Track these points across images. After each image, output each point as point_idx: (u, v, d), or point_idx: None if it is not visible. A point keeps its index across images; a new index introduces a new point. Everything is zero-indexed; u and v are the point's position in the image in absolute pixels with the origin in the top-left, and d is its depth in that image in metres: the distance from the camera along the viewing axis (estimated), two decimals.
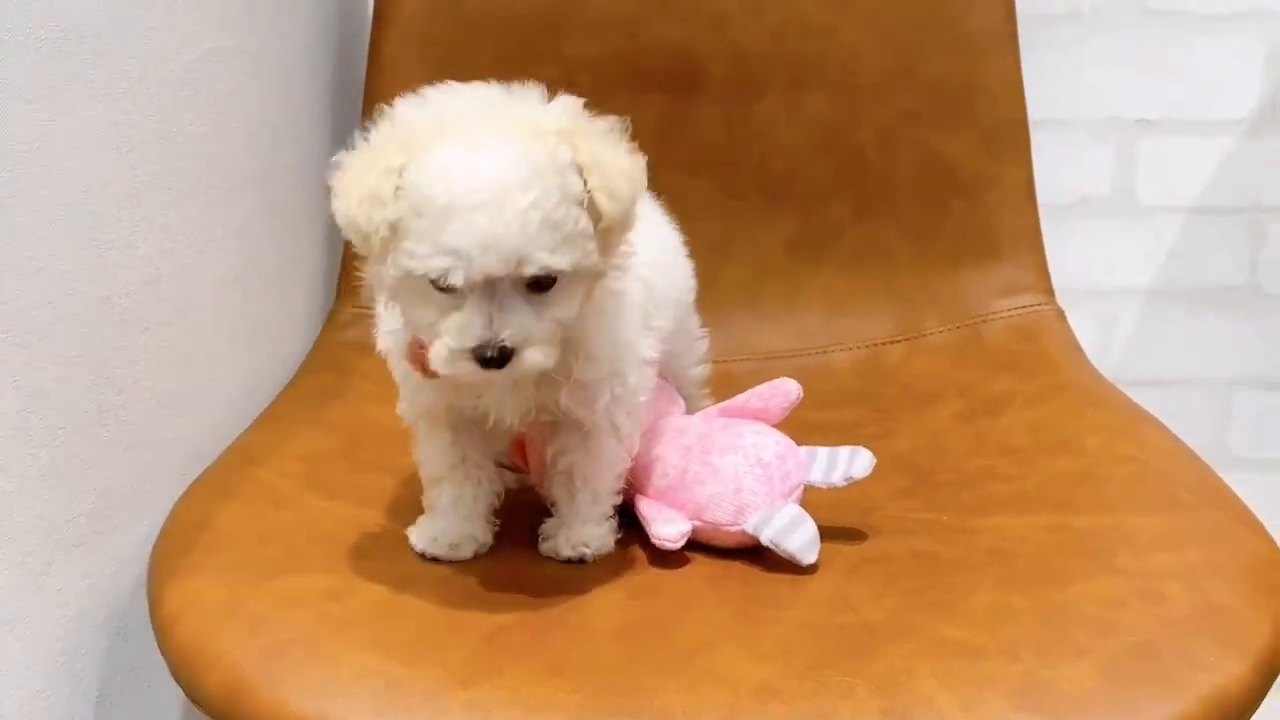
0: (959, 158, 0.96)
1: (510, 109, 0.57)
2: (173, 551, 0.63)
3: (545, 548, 0.65)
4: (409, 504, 0.70)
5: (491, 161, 0.53)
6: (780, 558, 0.63)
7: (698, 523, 0.65)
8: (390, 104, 0.58)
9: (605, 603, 0.60)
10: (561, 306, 0.56)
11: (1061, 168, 1.12)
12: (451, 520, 0.65)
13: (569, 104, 0.59)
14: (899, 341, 0.96)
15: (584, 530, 0.64)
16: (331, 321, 0.96)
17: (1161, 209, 1.14)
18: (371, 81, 0.98)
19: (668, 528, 0.64)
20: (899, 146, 0.96)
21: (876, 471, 0.68)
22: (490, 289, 0.54)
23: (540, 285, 0.55)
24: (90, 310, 0.64)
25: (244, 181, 0.83)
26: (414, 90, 0.95)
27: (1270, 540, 0.64)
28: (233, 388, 0.82)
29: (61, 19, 0.61)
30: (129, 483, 0.69)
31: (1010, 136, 0.96)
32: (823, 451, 0.68)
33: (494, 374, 0.55)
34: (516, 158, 0.53)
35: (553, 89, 0.96)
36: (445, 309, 0.55)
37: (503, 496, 0.67)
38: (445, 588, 0.61)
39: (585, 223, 0.55)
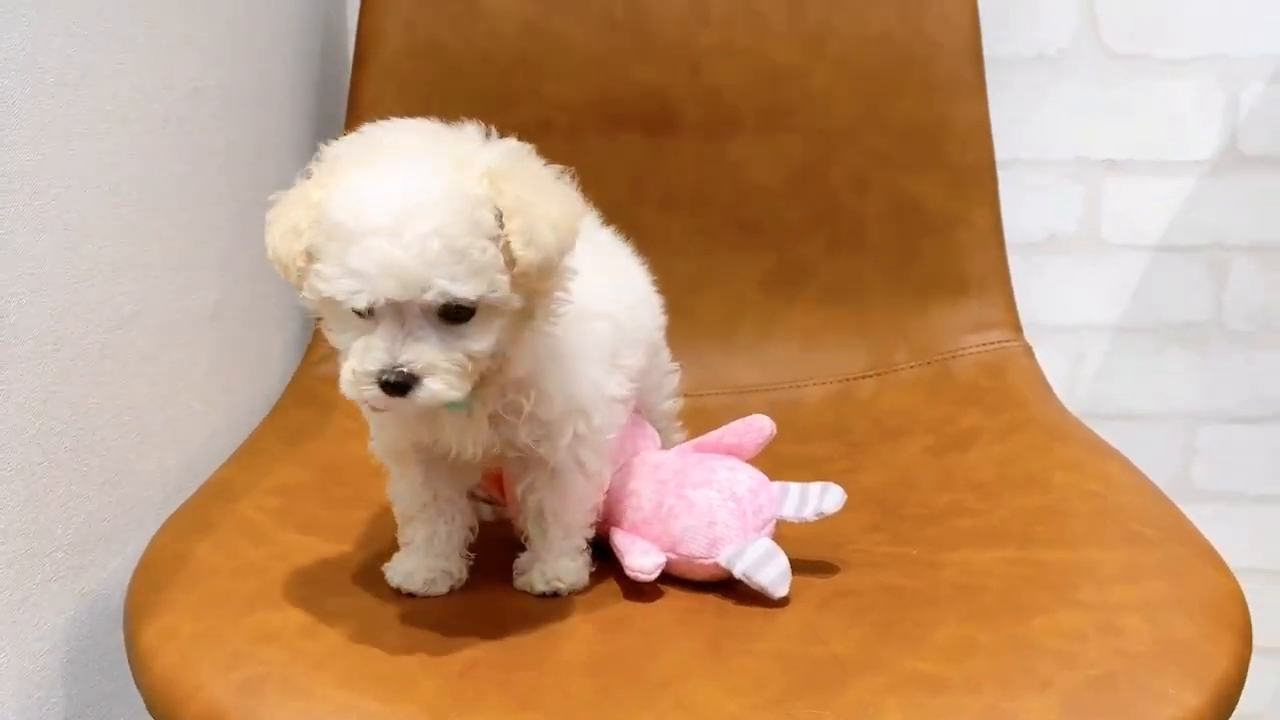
0: (928, 198, 0.98)
1: (440, 144, 0.57)
2: (149, 586, 0.64)
3: (520, 582, 0.66)
4: (385, 539, 0.71)
5: (397, 187, 0.53)
6: (752, 590, 0.64)
7: (672, 555, 0.66)
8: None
9: (577, 636, 0.60)
10: (475, 340, 0.55)
11: (1030, 206, 1.15)
12: (426, 557, 0.65)
13: (511, 146, 0.58)
14: (870, 376, 0.98)
15: (558, 565, 0.65)
16: (309, 356, 0.96)
17: (1127, 247, 1.16)
18: (352, 122, 0.99)
19: (642, 559, 0.65)
20: (870, 187, 0.99)
21: (847, 505, 0.69)
22: (400, 315, 0.54)
23: (454, 316, 0.55)
24: (70, 345, 0.65)
25: (224, 220, 0.84)
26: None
27: (1229, 575, 0.66)
28: (211, 422, 0.82)
29: (45, 62, 0.62)
30: (107, 517, 0.69)
31: (978, 177, 0.98)
32: (795, 487, 0.69)
33: (398, 401, 0.54)
34: (423, 184, 0.53)
35: (530, 129, 0.98)
36: (360, 334, 0.55)
37: (477, 531, 0.68)
38: (419, 623, 0.61)
39: (495, 255, 0.54)
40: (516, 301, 0.56)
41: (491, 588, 0.66)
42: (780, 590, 0.64)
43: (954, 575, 0.67)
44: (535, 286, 0.57)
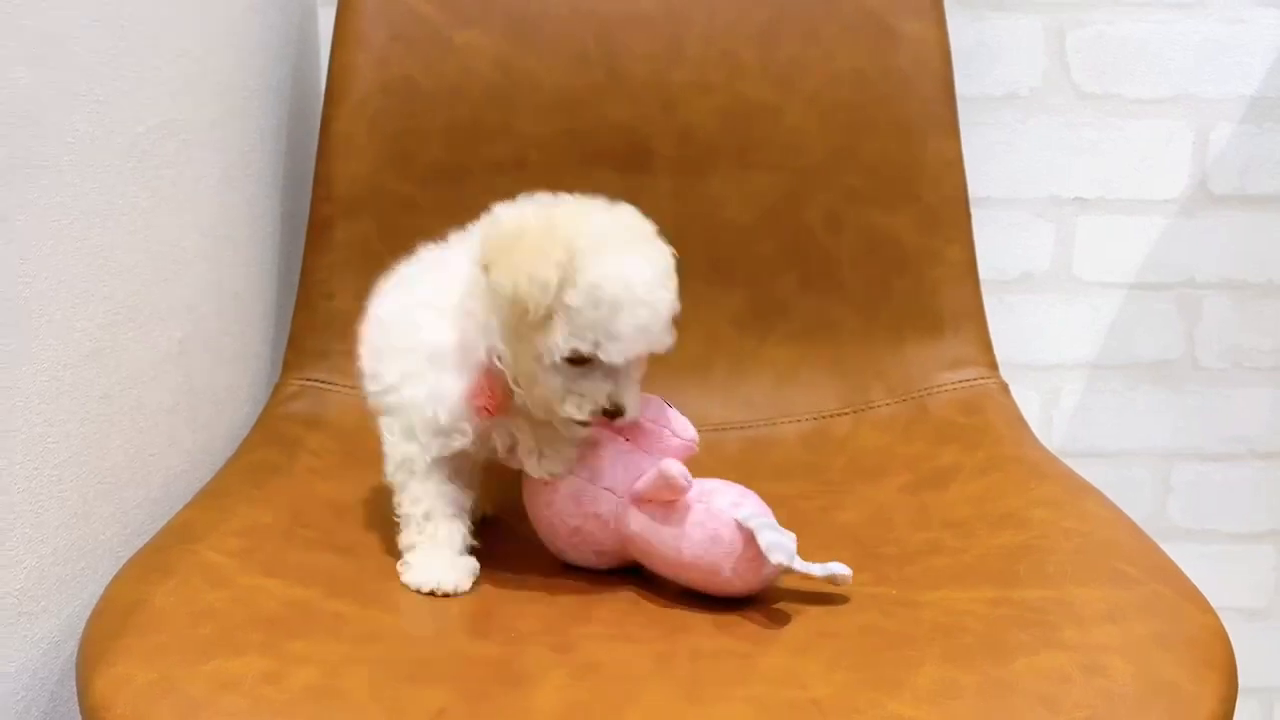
0: (902, 235, 0.98)
1: (626, 218, 0.69)
2: (104, 633, 0.61)
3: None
4: (351, 581, 0.69)
5: (649, 266, 0.66)
6: (728, 636, 0.63)
7: (695, 501, 0.67)
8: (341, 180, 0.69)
9: (549, 683, 0.59)
10: (639, 373, 0.69)
11: (1004, 244, 1.15)
12: (449, 555, 0.70)
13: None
14: (846, 414, 0.97)
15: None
16: (277, 394, 0.95)
17: (1099, 285, 1.17)
18: (323, 157, 0.98)
19: (679, 466, 0.67)
20: (843, 224, 0.98)
21: (825, 545, 0.68)
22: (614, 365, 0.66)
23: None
24: (25, 383, 0.63)
25: (191, 255, 0.83)
26: (365, 165, 0.97)
27: (1213, 614, 0.65)
28: (174, 462, 0.80)
29: (4, 94, 0.61)
30: (62, 561, 0.67)
31: (951, 215, 0.98)
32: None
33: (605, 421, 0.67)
34: (658, 262, 0.67)
35: (504, 166, 0.98)
36: (573, 377, 0.66)
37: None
38: (384, 669, 0.59)
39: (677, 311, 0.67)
40: None
41: (455, 634, 0.64)
42: (777, 556, 0.64)
43: (934, 615, 0.65)
44: None
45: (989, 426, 0.91)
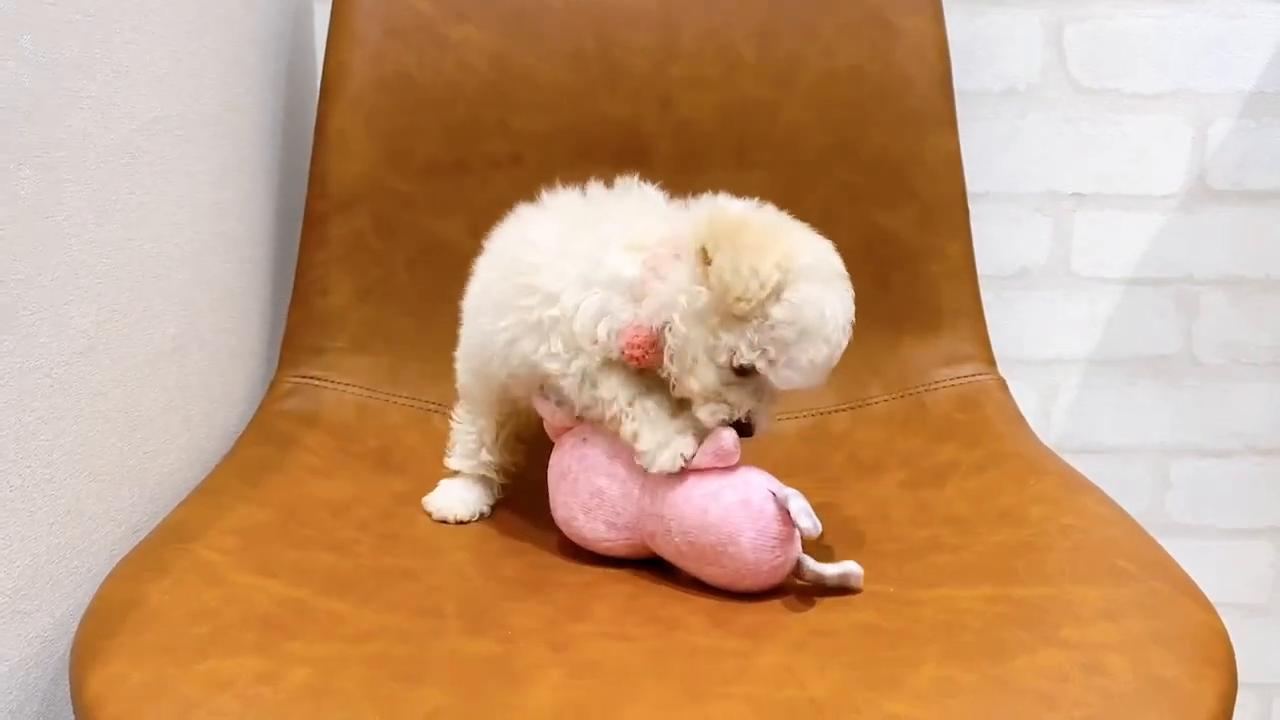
0: (900, 231, 0.98)
1: (829, 250, 0.69)
2: (98, 632, 0.61)
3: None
4: (346, 579, 0.69)
5: (845, 307, 0.68)
6: (726, 632, 0.63)
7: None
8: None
9: (545, 682, 0.58)
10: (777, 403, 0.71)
11: (1002, 240, 1.15)
12: (668, 426, 0.70)
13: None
14: (844, 410, 0.97)
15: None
16: (273, 391, 0.94)
17: (1097, 280, 1.16)
18: (318, 153, 0.98)
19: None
20: (840, 220, 0.98)
21: (824, 542, 0.68)
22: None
23: None
24: (17, 381, 0.62)
25: (185, 252, 0.82)
26: (361, 161, 0.96)
27: (1213, 610, 0.65)
28: (169, 460, 0.80)
29: None
30: (55, 559, 0.66)
31: (949, 211, 0.98)
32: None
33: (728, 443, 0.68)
34: (848, 308, 0.68)
35: (501, 162, 0.97)
36: (724, 379, 0.67)
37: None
38: (379, 668, 0.59)
39: None
40: None
41: (451, 632, 0.64)
42: (804, 521, 0.65)
43: (932, 614, 0.65)
44: None
45: (987, 423, 0.91)
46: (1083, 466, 0.84)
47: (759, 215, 0.69)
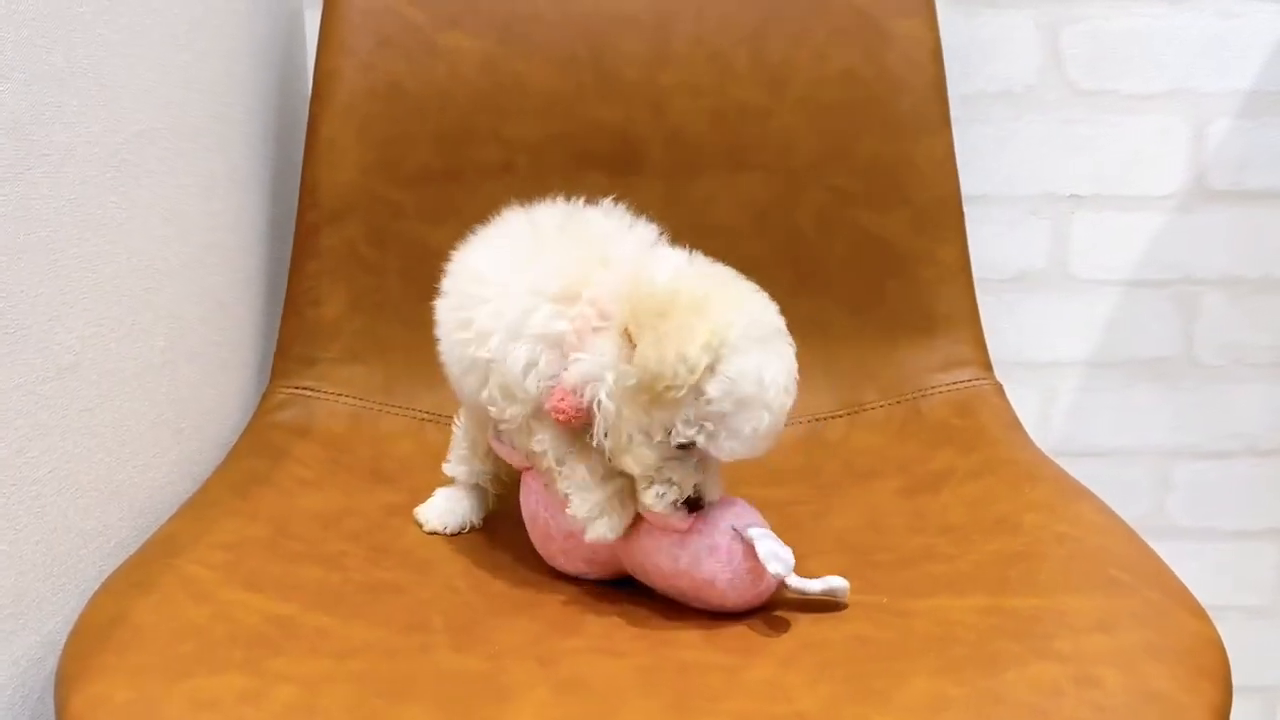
0: (894, 236, 0.97)
1: (763, 308, 0.67)
2: (83, 650, 0.61)
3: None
4: (334, 594, 0.68)
5: (784, 369, 0.64)
6: (715, 646, 0.62)
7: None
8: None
9: (531, 700, 0.58)
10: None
11: (999, 243, 1.14)
12: (598, 493, 0.68)
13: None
14: (839, 416, 0.96)
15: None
16: (265, 403, 0.94)
17: (1096, 282, 1.16)
18: (309, 163, 0.97)
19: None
20: (834, 226, 0.97)
21: (818, 551, 0.67)
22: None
23: None
24: (1, 399, 0.62)
25: (174, 265, 0.82)
26: (352, 170, 0.96)
27: (1208, 621, 0.64)
28: (159, 475, 0.80)
29: None
30: (42, 577, 0.66)
31: (944, 214, 0.97)
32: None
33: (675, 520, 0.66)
34: (790, 365, 0.65)
35: (493, 170, 0.97)
36: (664, 455, 0.64)
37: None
38: (365, 686, 0.58)
39: None
40: None
41: (437, 648, 0.63)
42: (774, 566, 0.64)
43: (925, 625, 0.64)
44: None
45: (983, 429, 0.91)
46: (1083, 469, 0.84)
47: (687, 285, 0.64)
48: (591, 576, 0.71)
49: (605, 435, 0.65)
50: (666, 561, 0.67)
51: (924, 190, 0.97)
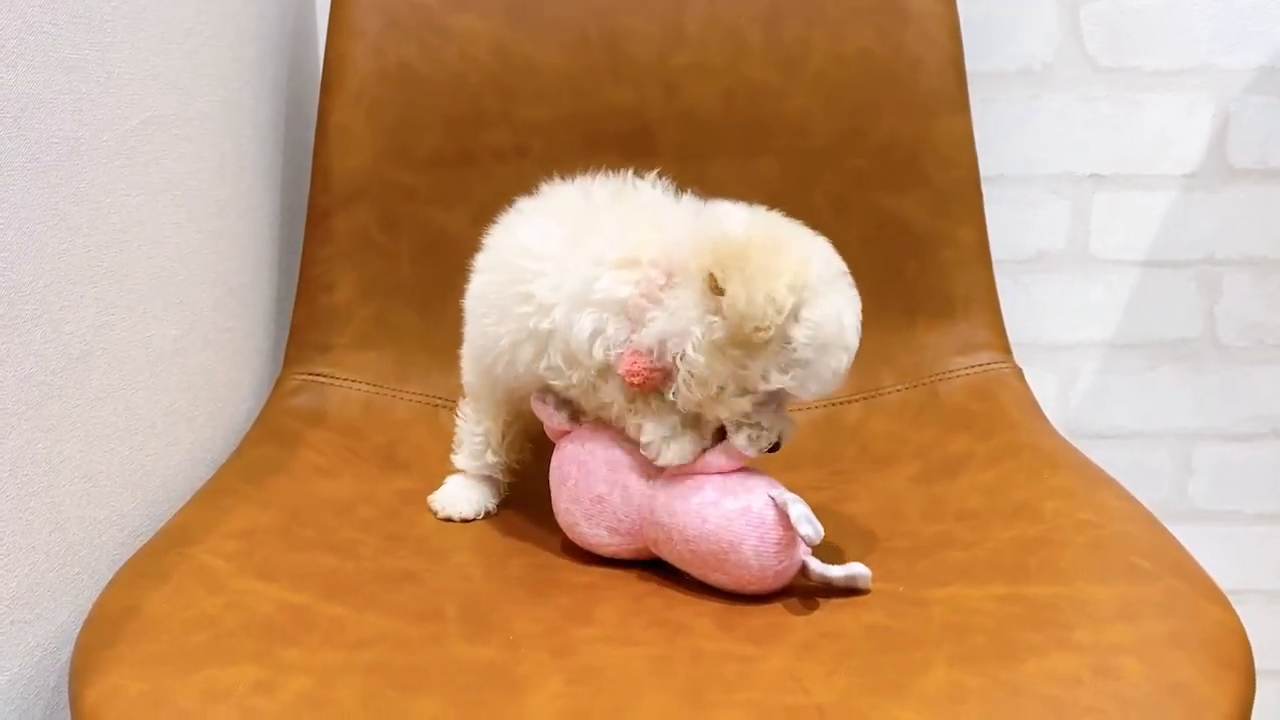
0: (911, 217, 0.96)
1: (831, 253, 0.69)
2: (97, 641, 0.61)
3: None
4: (348, 583, 0.68)
5: (855, 310, 0.67)
6: (730, 637, 0.62)
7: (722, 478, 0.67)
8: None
9: (545, 690, 0.57)
10: None
11: (1018, 223, 1.13)
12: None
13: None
14: (856, 400, 0.95)
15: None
16: (278, 390, 0.94)
17: (1117, 263, 1.14)
18: (321, 148, 0.97)
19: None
20: (851, 207, 0.96)
21: (835, 538, 0.67)
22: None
23: None
24: (13, 389, 0.62)
25: (186, 252, 0.81)
26: (364, 155, 0.95)
27: (1230, 609, 0.63)
28: (172, 463, 0.79)
29: None
30: (55, 567, 0.66)
31: (962, 196, 0.96)
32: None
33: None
34: (858, 307, 0.67)
35: (505, 153, 0.96)
36: (757, 403, 0.67)
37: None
38: (377, 677, 0.58)
39: None
40: None
41: (450, 639, 0.63)
42: (805, 529, 0.64)
43: (943, 614, 0.64)
44: None
45: (1002, 413, 0.89)
46: (1103, 453, 0.83)
47: (759, 229, 0.66)
48: (609, 550, 0.71)
49: (690, 389, 0.66)
50: (694, 522, 0.66)
51: (942, 171, 0.95)
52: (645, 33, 0.97)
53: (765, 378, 0.65)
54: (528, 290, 0.70)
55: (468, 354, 0.81)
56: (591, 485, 0.70)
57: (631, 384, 0.67)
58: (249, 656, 0.59)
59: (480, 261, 0.77)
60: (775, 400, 0.68)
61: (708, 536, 0.66)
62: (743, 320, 0.62)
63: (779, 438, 0.68)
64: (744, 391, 0.66)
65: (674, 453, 0.68)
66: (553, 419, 0.73)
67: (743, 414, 0.67)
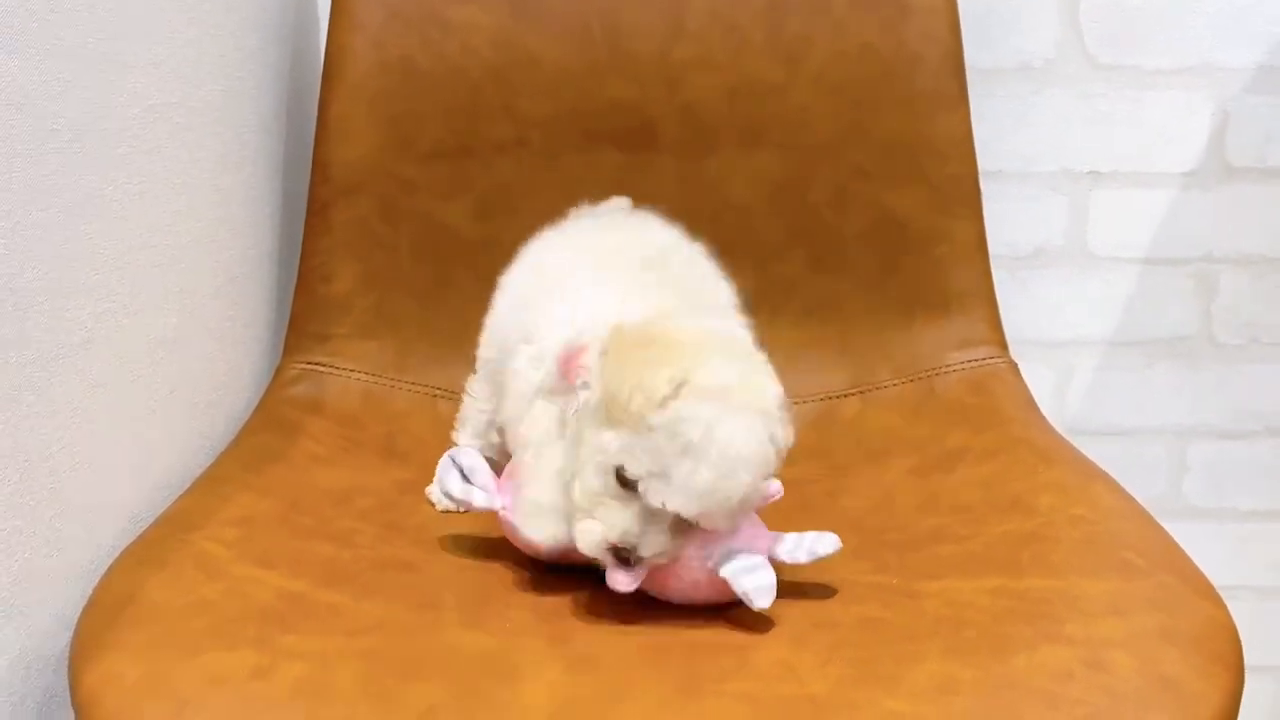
0: (910, 213, 0.96)
1: (752, 372, 0.64)
2: (96, 626, 0.61)
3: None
4: (346, 571, 0.68)
5: (741, 434, 0.60)
6: (725, 625, 0.62)
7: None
8: None
9: (541, 679, 0.58)
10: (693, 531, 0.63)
11: (1016, 220, 1.13)
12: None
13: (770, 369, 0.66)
14: (853, 394, 0.96)
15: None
16: (277, 379, 0.94)
17: (1114, 260, 1.14)
18: (321, 139, 0.97)
19: (618, 576, 0.62)
20: (850, 203, 0.97)
21: (827, 530, 0.66)
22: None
23: None
24: (14, 375, 0.62)
25: (186, 241, 0.82)
26: (364, 147, 0.95)
27: (1221, 605, 0.63)
28: (172, 450, 0.80)
29: None
30: (55, 552, 0.66)
31: (960, 192, 0.96)
32: (790, 535, 0.67)
33: (617, 574, 0.62)
34: (755, 437, 0.61)
35: (505, 146, 0.96)
36: (612, 495, 0.62)
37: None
38: (375, 664, 0.59)
39: (760, 495, 0.63)
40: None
41: (453, 625, 0.64)
42: (761, 601, 0.62)
43: (936, 607, 0.64)
44: None
45: (998, 408, 0.90)
46: (1099, 449, 0.83)
47: (688, 331, 0.63)
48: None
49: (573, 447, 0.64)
50: (658, 593, 0.65)
51: (941, 167, 0.96)
52: (647, 27, 0.97)
53: (610, 445, 0.61)
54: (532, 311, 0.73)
55: (490, 329, 0.81)
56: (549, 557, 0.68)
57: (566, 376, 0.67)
58: (248, 642, 0.60)
59: (526, 252, 0.81)
60: (635, 504, 0.61)
61: (677, 600, 0.65)
62: (610, 399, 0.61)
63: (628, 544, 0.61)
64: (600, 473, 0.62)
65: (537, 528, 0.66)
66: None
67: (590, 497, 0.62)
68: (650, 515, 0.61)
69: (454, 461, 0.71)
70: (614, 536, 0.61)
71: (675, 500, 0.60)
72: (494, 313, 0.81)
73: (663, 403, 0.59)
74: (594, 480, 0.62)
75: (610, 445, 0.61)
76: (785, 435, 0.63)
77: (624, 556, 0.62)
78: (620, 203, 0.84)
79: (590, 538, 0.62)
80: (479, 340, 0.82)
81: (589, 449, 0.62)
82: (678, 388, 0.60)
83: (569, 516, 0.64)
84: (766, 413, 0.62)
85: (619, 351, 0.62)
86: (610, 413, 0.61)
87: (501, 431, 0.80)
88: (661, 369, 0.60)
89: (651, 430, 0.60)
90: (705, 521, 0.61)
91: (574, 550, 0.64)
